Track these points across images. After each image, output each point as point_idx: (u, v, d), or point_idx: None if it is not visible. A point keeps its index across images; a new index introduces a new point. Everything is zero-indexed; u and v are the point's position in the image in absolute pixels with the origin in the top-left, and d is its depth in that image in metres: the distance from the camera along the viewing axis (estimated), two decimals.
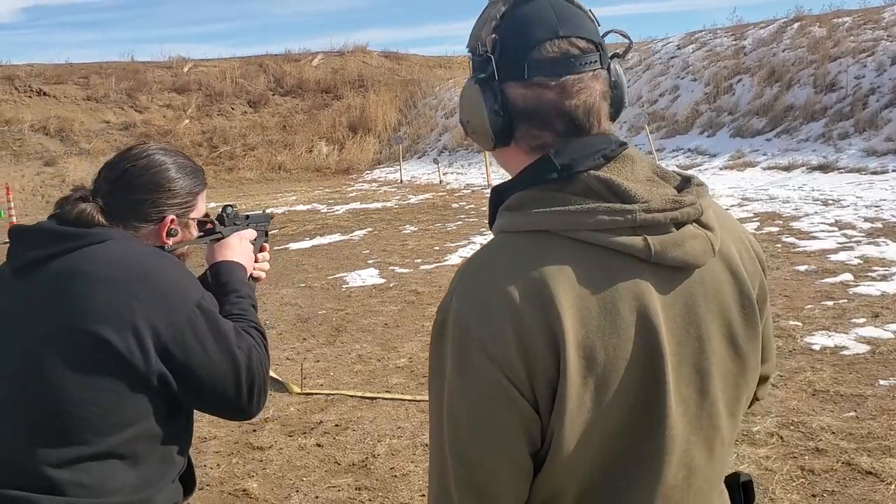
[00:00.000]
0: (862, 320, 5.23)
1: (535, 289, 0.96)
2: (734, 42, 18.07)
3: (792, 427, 3.74)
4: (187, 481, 1.53)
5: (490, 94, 1.07)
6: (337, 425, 4.36)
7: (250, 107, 30.62)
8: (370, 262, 9.26)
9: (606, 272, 0.98)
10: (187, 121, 29.01)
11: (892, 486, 3.11)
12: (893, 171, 11.11)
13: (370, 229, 12.10)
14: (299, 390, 4.94)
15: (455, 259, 8.90)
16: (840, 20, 16.43)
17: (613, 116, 1.11)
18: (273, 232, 12.88)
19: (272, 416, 4.56)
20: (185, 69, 31.94)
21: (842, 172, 11.69)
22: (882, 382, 4.16)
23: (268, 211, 2.05)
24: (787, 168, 12.52)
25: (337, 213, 15.08)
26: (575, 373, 0.95)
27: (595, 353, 0.96)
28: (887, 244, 7.43)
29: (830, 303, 5.72)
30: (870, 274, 6.41)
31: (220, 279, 1.64)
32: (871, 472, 3.23)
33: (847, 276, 6.40)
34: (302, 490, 3.61)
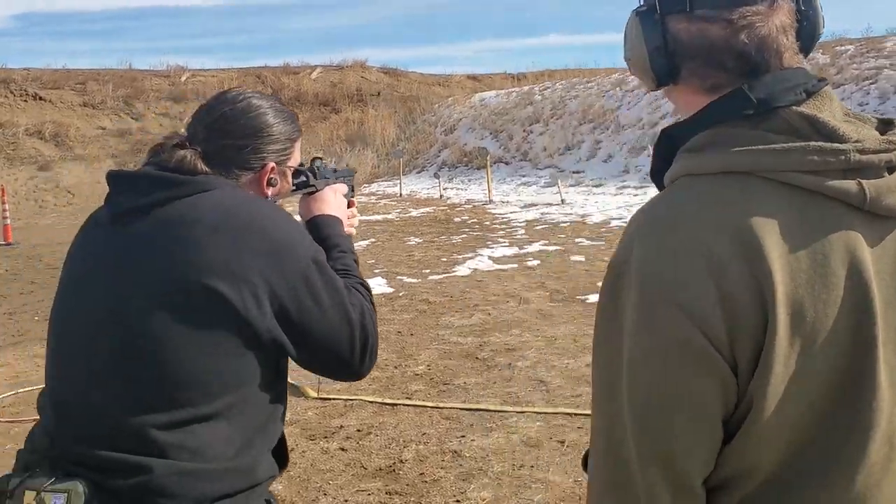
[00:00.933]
0: None
1: (740, 237, 0.86)
2: None
3: None
4: (281, 456, 1.42)
5: (650, 29, 0.98)
6: (359, 430, 4.24)
7: None
8: (377, 271, 9.15)
9: (816, 220, 0.89)
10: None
11: None
12: None
13: (373, 240, 11.99)
14: (316, 395, 4.81)
15: (464, 270, 8.80)
16: (843, 48, 16.54)
17: (806, 50, 1.00)
18: None
19: (290, 420, 4.43)
20: (183, 79, 31.84)
21: None
22: None
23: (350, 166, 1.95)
24: None
25: None
26: (783, 332, 0.85)
27: (804, 311, 0.86)
28: None
29: None
30: None
31: (321, 233, 1.54)
32: None
33: None
34: (329, 493, 3.48)
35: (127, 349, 1.24)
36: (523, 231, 11.88)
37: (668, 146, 1.00)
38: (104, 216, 1.35)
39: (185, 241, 1.26)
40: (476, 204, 16.75)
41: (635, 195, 14.83)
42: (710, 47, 0.94)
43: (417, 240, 11.80)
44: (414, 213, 16.07)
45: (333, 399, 4.75)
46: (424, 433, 4.13)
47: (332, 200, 1.63)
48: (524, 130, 22.28)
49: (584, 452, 1.20)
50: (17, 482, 1.21)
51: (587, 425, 4.08)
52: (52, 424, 1.27)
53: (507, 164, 20.91)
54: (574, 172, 17.85)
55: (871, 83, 14.60)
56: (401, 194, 20.40)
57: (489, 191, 17.03)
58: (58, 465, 1.22)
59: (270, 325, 1.27)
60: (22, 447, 1.36)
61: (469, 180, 21.28)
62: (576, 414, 4.23)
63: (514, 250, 10.00)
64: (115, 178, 1.36)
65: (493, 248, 10.39)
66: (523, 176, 19.74)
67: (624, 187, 15.84)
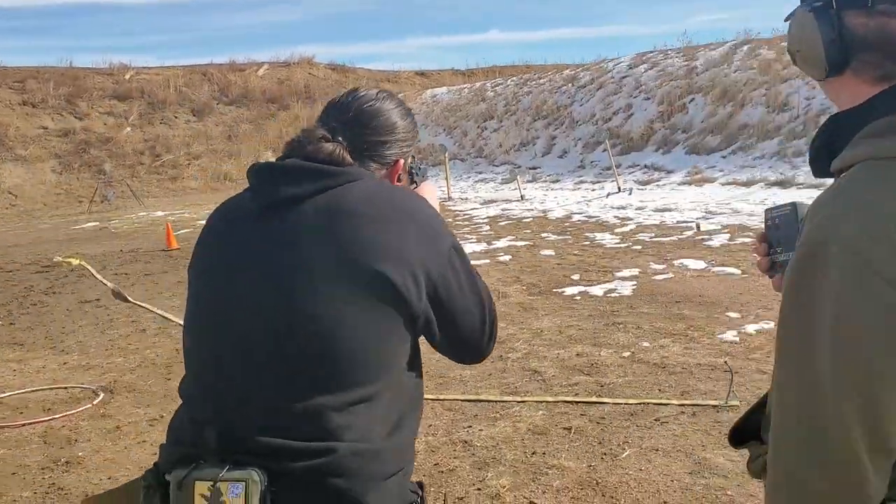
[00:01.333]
0: None
1: None
2: (685, 63, 18.58)
3: None
4: None
5: (826, 23, 1.04)
6: None
7: (194, 115, 30.04)
8: None
9: None
10: (129, 128, 28.27)
11: None
12: None
13: None
14: None
15: None
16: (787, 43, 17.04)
17: None
18: None
19: None
20: (127, 76, 31.14)
21: (801, 188, 12.10)
22: None
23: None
24: (747, 184, 12.90)
25: None
26: None
27: None
28: None
29: None
30: None
31: None
32: None
33: None
34: None
35: (297, 334, 1.25)
36: (488, 227, 11.98)
37: (832, 132, 1.07)
38: (250, 207, 1.35)
39: (351, 228, 1.28)
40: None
41: (592, 190, 15.07)
42: (889, 40, 1.01)
43: None
44: None
45: None
46: (431, 424, 4.16)
47: (433, 194, 1.67)
48: (479, 127, 22.42)
49: (730, 428, 1.26)
50: (184, 474, 1.22)
51: (590, 412, 4.18)
52: (211, 414, 1.27)
53: (462, 160, 21.01)
54: (530, 168, 18.04)
55: None
56: None
57: (448, 188, 17.10)
58: (226, 455, 1.22)
59: (425, 307, 1.30)
60: (164, 441, 1.37)
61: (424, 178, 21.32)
62: (577, 402, 4.32)
63: (482, 246, 10.08)
64: (263, 170, 1.38)
65: (469, 238, 10.45)
66: (480, 173, 19.86)
67: (581, 182, 16.08)
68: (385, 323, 1.27)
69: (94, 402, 4.88)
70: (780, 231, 1.20)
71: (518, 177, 15.91)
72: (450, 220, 13.40)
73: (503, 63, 39.13)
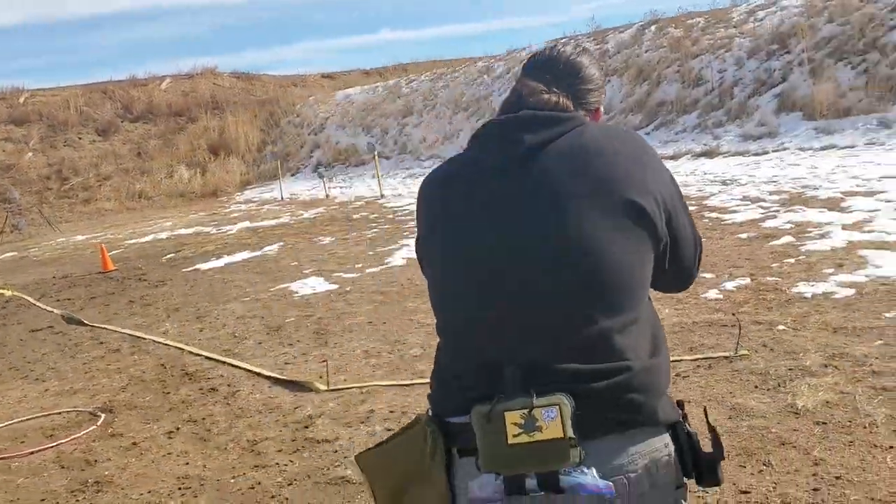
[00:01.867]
0: (831, 270, 5.72)
1: None
2: (597, 46, 19.08)
3: (838, 358, 4.05)
4: None
5: None
6: (392, 412, 4.27)
7: (99, 135, 28.95)
8: (307, 271, 9.06)
9: None
10: (31, 153, 27.03)
11: None
12: (773, 151, 12.15)
13: (281, 244, 11.81)
14: (326, 387, 4.79)
15: (398, 261, 8.86)
16: (693, 21, 17.75)
17: None
18: (170, 255, 12.31)
19: (314, 414, 4.41)
20: (22, 100, 29.76)
21: (726, 156, 12.64)
22: (888, 315, 4.59)
23: None
24: (674, 157, 13.38)
25: (230, 232, 14.57)
26: None
27: None
28: (804, 210, 8.13)
29: (792, 260, 6.21)
30: (808, 234, 7.01)
31: None
32: None
33: (789, 238, 6.96)
34: None
35: (574, 266, 1.30)
36: None
37: None
38: (489, 164, 1.39)
39: (600, 164, 1.34)
40: (368, 200, 16.75)
41: None
42: None
43: (329, 238, 11.72)
44: (306, 214, 15.88)
45: (345, 389, 4.75)
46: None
47: None
48: (399, 124, 22.43)
49: None
50: (488, 408, 1.26)
51: None
52: (507, 355, 1.31)
53: (387, 158, 20.99)
54: None
55: (726, 51, 15.78)
56: (282, 198, 20.06)
57: (380, 186, 17.07)
58: (529, 386, 1.27)
59: (665, 233, 1.38)
60: (432, 393, 1.41)
61: (350, 178, 21.21)
62: None
63: None
64: (500, 126, 1.42)
65: (413, 237, 10.49)
66: (407, 168, 19.90)
67: None
68: (641, 248, 1.35)
69: (98, 424, 4.74)
70: None
71: None
72: (391, 216, 13.42)
73: (406, 60, 39.21)
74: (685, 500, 1.37)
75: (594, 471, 1.25)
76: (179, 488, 3.71)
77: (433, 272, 1.46)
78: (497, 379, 1.29)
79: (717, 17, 17.40)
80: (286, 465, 3.78)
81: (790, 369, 4.00)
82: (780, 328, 4.68)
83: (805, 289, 5.38)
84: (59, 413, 5.10)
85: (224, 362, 5.67)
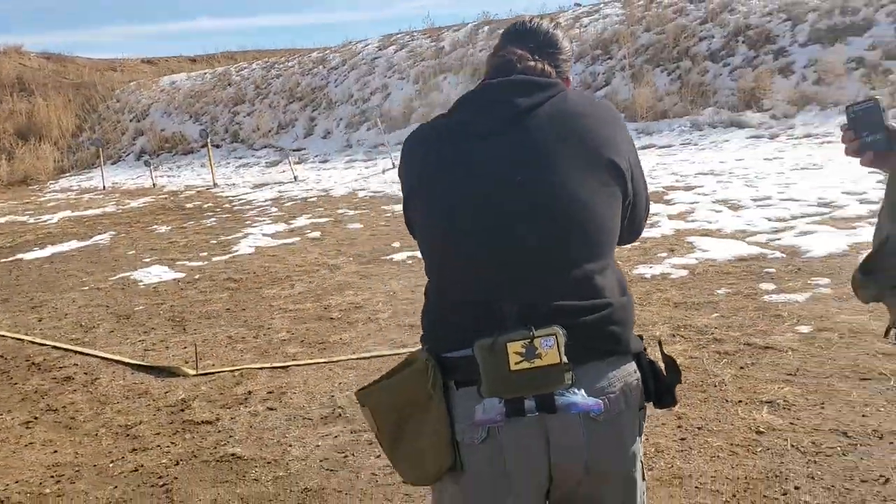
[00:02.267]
0: (665, 254, 6.30)
1: None
2: (433, 43, 19.50)
3: (684, 329, 4.52)
4: None
5: None
6: (271, 392, 4.28)
7: None
8: (147, 260, 8.69)
9: None
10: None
11: (789, 353, 3.99)
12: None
13: (113, 233, 11.21)
14: (195, 372, 4.70)
15: (246, 248, 8.70)
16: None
17: None
18: None
19: (187, 397, 4.32)
20: None
21: None
22: (719, 291, 5.15)
23: None
24: None
25: (50, 222, 13.60)
26: None
27: None
28: None
29: (627, 246, 6.76)
30: None
31: None
32: (768, 347, 4.09)
33: None
34: (294, 444, 3.56)
35: (566, 215, 1.45)
36: (276, 209, 11.88)
37: None
38: (480, 123, 1.51)
39: (584, 126, 1.50)
40: (199, 189, 16.17)
41: (366, 167, 15.44)
42: None
43: (165, 227, 11.26)
44: (134, 203, 15.12)
45: (216, 373, 4.68)
46: (341, 383, 4.30)
47: None
48: (230, 112, 21.78)
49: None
50: (491, 341, 1.39)
51: None
52: (507, 294, 1.43)
53: (217, 147, 20.31)
54: (295, 150, 17.97)
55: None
56: (104, 187, 18.92)
57: (213, 175, 16.54)
58: (526, 321, 1.40)
59: (630, 190, 1.57)
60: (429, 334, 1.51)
61: (178, 167, 20.34)
62: None
63: (282, 226, 10.04)
64: (495, 87, 1.54)
65: (257, 226, 10.31)
66: (240, 158, 19.38)
67: (352, 161, 16.36)
68: (615, 203, 1.53)
69: None
70: (864, 119, 1.61)
71: (290, 158, 15.80)
72: (227, 205, 13.07)
73: (234, 49, 38.05)
74: (644, 422, 1.58)
75: (583, 391, 1.42)
76: (52, 476, 3.53)
77: (428, 222, 1.57)
78: (496, 316, 1.43)
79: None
80: (168, 447, 3.70)
81: (643, 339, 4.40)
82: None
83: (644, 270, 5.90)
84: None
85: (77, 351, 5.38)
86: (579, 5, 19.29)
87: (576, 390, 1.42)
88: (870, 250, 1.52)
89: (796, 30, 13.57)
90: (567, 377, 1.41)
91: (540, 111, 1.52)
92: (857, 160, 1.54)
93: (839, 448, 3.00)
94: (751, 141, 11.52)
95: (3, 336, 6.05)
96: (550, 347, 1.39)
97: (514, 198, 1.48)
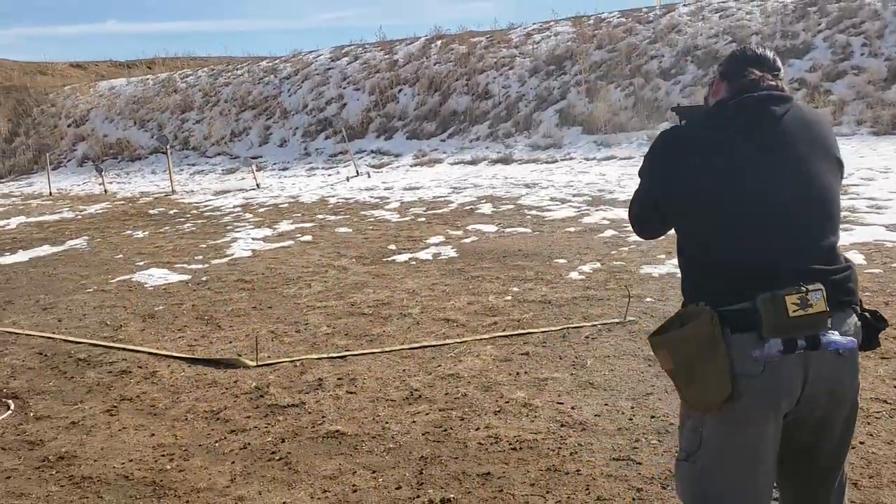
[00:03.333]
0: (664, 256, 6.85)
1: None
2: (386, 56, 19.88)
3: None
4: None
5: None
6: (341, 379, 4.57)
7: None
8: (140, 263, 8.78)
9: None
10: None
11: None
12: (562, 159, 13.62)
13: (87, 238, 11.17)
14: (255, 363, 4.95)
15: (241, 252, 8.89)
16: (476, 39, 19.14)
17: None
18: None
19: (260, 385, 4.57)
20: None
21: (520, 164, 13.93)
22: None
23: None
24: (473, 162, 14.47)
25: (9, 227, 13.37)
26: None
27: None
28: (612, 209, 9.42)
29: (626, 248, 7.30)
30: (626, 229, 8.19)
31: None
32: None
33: (613, 232, 8.11)
34: (391, 422, 3.88)
35: (820, 199, 1.91)
36: (251, 215, 12.04)
37: None
38: (741, 125, 1.92)
39: (818, 130, 1.97)
40: (156, 195, 16.11)
41: (329, 175, 15.68)
42: None
43: (142, 233, 11.28)
44: (90, 210, 14.97)
45: (276, 363, 4.94)
46: (404, 370, 4.64)
47: None
48: (178, 119, 21.63)
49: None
50: (770, 294, 1.80)
51: (531, 340, 4.97)
52: (782, 260, 1.85)
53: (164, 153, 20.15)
54: (252, 158, 18.04)
55: (509, 69, 17.26)
56: (50, 193, 18.56)
57: (171, 181, 16.47)
58: (797, 278, 1.83)
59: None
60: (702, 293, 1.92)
61: (126, 173, 20.11)
62: (512, 335, 5.08)
63: (268, 231, 10.24)
64: (761, 101, 1.95)
65: (241, 231, 10.48)
66: (193, 165, 19.30)
67: (313, 169, 16.56)
68: (840, 190, 1.99)
69: (11, 409, 4.52)
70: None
71: (253, 166, 15.90)
72: (195, 211, 13.13)
73: (163, 55, 37.58)
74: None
75: (837, 333, 1.86)
76: (162, 455, 3.76)
77: (708, 206, 1.93)
78: (771, 276, 1.85)
79: (498, 38, 18.94)
80: (265, 427, 3.97)
81: None
82: (649, 300, 5.62)
83: (650, 270, 6.43)
84: None
85: (124, 349, 5.54)
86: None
87: (833, 332, 1.86)
88: None
89: None
90: (828, 322, 1.85)
91: (787, 117, 1.96)
92: None
93: None
94: None
95: (29, 335, 6.12)
96: (818, 299, 1.83)
97: (787, 184, 1.92)
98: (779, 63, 2.13)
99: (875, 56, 13.32)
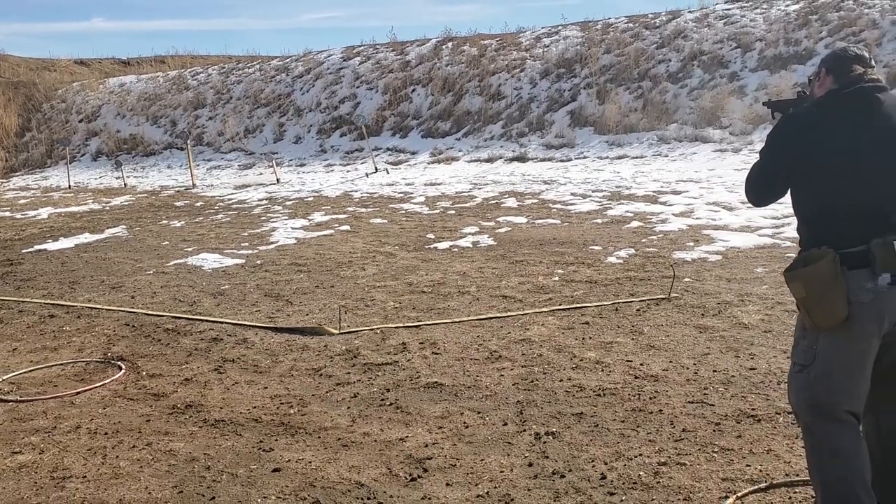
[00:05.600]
0: (692, 244, 7.41)
1: None
2: (398, 57, 20.40)
3: (747, 296, 5.57)
4: None
5: None
6: (422, 343, 5.09)
7: None
8: (189, 249, 9.25)
9: None
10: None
11: None
12: (576, 158, 14.19)
13: (125, 227, 11.63)
14: (338, 331, 5.46)
15: (285, 240, 9.38)
16: (486, 42, 19.69)
17: None
18: None
19: (350, 348, 5.07)
20: None
21: (536, 162, 14.48)
22: (757, 270, 6.26)
23: None
24: (490, 160, 15.01)
25: (40, 217, 13.80)
26: None
27: None
28: (633, 203, 9.98)
29: (654, 237, 7.85)
30: (651, 221, 8.76)
31: None
32: None
33: (639, 223, 8.66)
34: (481, 376, 4.40)
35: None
36: (280, 207, 12.52)
37: None
38: (855, 109, 2.46)
39: None
40: (177, 189, 16.55)
41: (347, 171, 16.18)
42: None
43: (178, 222, 11.75)
44: (116, 202, 15.40)
45: (357, 331, 5.45)
46: (478, 335, 5.16)
47: None
48: (190, 115, 22.06)
49: None
50: (881, 240, 2.34)
51: (588, 313, 5.50)
52: (886, 210, 2.37)
53: (181, 149, 20.60)
54: (270, 154, 18.51)
55: (520, 71, 17.83)
56: (70, 186, 18.96)
57: (192, 176, 16.92)
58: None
59: None
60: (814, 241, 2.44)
61: (142, 168, 20.53)
62: (569, 308, 5.62)
63: (304, 222, 10.73)
64: (869, 90, 2.47)
65: (277, 221, 10.97)
66: (208, 160, 19.75)
67: (331, 165, 17.06)
68: None
69: (124, 370, 5.00)
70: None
71: (273, 161, 16.39)
72: (221, 204, 13.59)
73: (163, 53, 37.95)
74: None
75: None
76: (283, 403, 4.26)
77: (832, 174, 2.45)
78: (882, 224, 2.40)
79: (508, 41, 19.51)
80: (368, 381, 4.48)
81: (718, 303, 5.46)
82: (687, 280, 6.18)
83: (683, 255, 6.98)
84: (63, 365, 5.21)
85: (209, 320, 6.02)
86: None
87: None
88: None
89: (746, 56, 15.15)
90: None
91: (888, 102, 2.50)
92: None
93: None
94: (717, 154, 12.92)
95: (110, 309, 6.60)
96: None
97: (887, 159, 2.45)
98: (873, 60, 2.68)
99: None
